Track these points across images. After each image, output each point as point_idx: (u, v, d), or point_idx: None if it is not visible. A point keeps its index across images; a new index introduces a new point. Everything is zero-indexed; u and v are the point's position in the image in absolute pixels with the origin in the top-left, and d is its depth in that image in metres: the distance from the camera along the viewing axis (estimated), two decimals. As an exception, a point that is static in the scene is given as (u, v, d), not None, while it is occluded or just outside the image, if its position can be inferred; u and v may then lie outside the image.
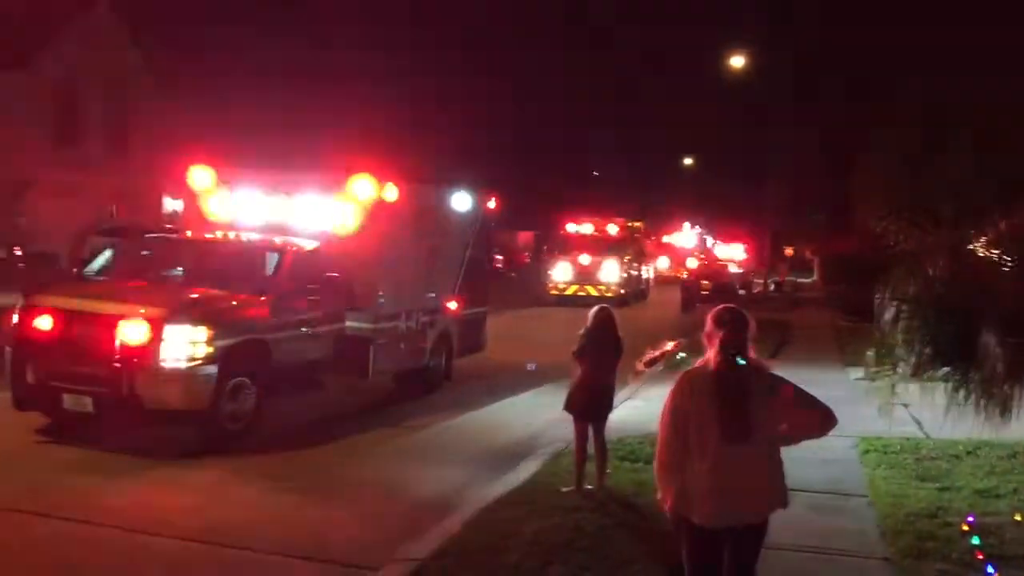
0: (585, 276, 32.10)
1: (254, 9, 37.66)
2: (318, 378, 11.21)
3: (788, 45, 41.52)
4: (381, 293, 11.68)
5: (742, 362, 4.40)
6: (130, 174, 29.82)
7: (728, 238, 56.56)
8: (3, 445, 8.99)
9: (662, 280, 45.33)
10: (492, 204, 14.94)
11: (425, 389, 12.96)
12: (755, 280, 43.01)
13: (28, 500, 7.33)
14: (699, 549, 4.45)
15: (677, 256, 53.62)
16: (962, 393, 7.44)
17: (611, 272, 32.38)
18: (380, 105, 37.22)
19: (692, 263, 46.20)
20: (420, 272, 12.65)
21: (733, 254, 50.27)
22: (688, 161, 69.00)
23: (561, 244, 34.26)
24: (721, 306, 4.66)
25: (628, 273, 33.90)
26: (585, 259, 32.39)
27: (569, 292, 31.69)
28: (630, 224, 37.65)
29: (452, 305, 13.51)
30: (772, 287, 42.81)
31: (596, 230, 34.61)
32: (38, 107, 29.13)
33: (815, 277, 55.72)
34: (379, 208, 11.52)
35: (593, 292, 30.74)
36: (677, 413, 4.44)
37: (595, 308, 8.42)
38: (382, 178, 11.51)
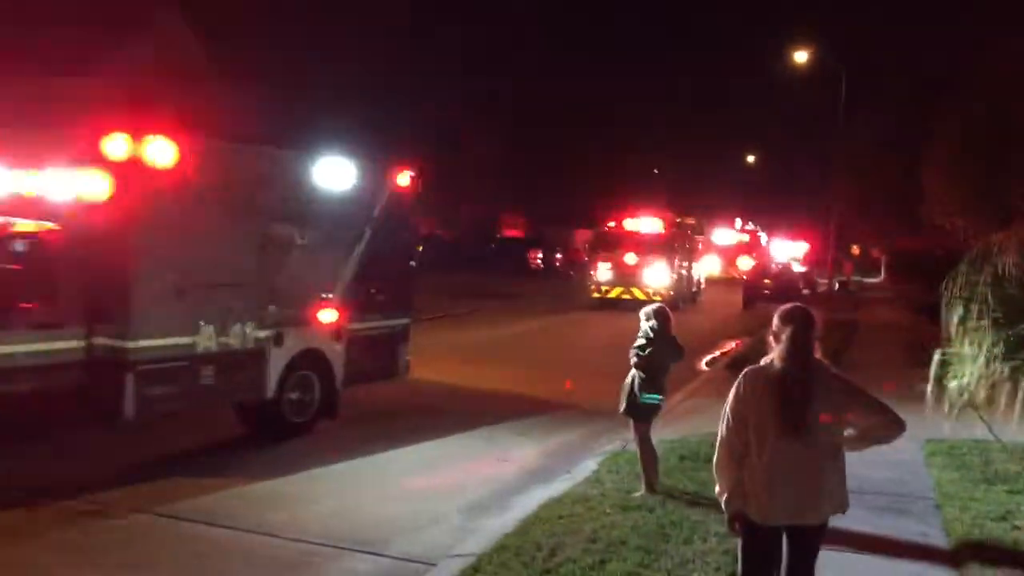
0: (630, 277, 29.61)
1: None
2: (41, 423, 8.23)
3: (855, 37, 40.74)
4: (150, 297, 8.56)
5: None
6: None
7: (790, 235, 55.72)
8: None
9: (713, 281, 43.99)
10: (405, 181, 11.47)
11: (276, 432, 10.00)
12: (819, 279, 42.31)
13: None
14: (754, 545, 4.59)
15: (730, 255, 52.71)
16: (1033, 394, 7.30)
17: (659, 273, 29.89)
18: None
19: (747, 262, 45.23)
20: (246, 267, 9.50)
21: (795, 252, 49.49)
22: (751, 159, 68.47)
23: (604, 242, 31.57)
24: (788, 304, 4.66)
25: (678, 274, 31.49)
26: (630, 259, 29.82)
27: (612, 295, 29.59)
28: (680, 220, 34.71)
29: (327, 316, 10.39)
30: (837, 286, 42.09)
31: (643, 227, 31.92)
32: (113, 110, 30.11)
33: (883, 276, 54.70)
34: (142, 175, 8.39)
35: (639, 295, 28.48)
36: (737, 409, 4.54)
37: (655, 307, 8.34)
38: (142, 132, 8.40)
